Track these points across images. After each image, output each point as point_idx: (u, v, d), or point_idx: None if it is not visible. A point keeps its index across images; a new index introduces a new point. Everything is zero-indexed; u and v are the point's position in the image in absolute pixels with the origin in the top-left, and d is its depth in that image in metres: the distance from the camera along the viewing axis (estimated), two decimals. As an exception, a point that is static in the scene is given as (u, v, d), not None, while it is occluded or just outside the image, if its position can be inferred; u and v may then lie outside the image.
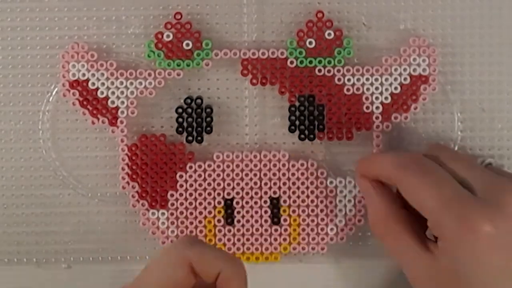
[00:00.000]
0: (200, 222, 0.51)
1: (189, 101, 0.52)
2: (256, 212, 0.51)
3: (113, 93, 0.51)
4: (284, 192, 0.51)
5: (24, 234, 0.53)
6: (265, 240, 0.51)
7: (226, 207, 0.51)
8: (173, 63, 0.51)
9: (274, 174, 0.51)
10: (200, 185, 0.51)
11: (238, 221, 0.51)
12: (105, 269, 0.53)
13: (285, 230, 0.51)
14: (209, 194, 0.51)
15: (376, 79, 0.51)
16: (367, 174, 0.48)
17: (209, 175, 0.51)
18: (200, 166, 0.51)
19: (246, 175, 0.51)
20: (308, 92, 0.51)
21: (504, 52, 0.52)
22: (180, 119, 0.51)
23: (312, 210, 0.51)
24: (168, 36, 0.51)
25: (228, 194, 0.51)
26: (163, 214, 0.51)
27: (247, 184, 0.51)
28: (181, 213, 0.51)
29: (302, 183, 0.51)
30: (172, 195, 0.51)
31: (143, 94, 0.51)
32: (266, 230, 0.51)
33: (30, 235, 0.53)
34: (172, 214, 0.51)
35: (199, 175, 0.51)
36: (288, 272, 0.53)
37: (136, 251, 0.52)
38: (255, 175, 0.51)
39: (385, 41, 0.52)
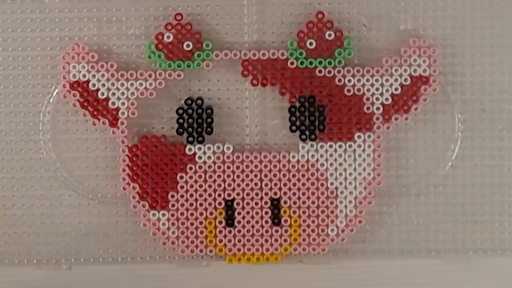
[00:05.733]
0: (200, 223, 0.51)
1: (189, 102, 0.52)
2: (257, 213, 0.51)
3: (113, 94, 0.51)
4: (285, 193, 0.51)
5: (24, 235, 0.53)
6: (266, 241, 0.51)
7: (227, 208, 0.51)
8: (174, 64, 0.51)
9: (275, 175, 0.51)
10: (200, 186, 0.51)
11: (239, 222, 0.51)
12: (106, 270, 0.53)
13: (286, 231, 0.51)
14: (210, 195, 0.51)
15: (377, 80, 0.51)
16: None
17: (210, 176, 0.51)
18: (200, 167, 0.51)
19: (247, 176, 0.51)
20: (308, 93, 0.51)
21: (505, 52, 0.52)
22: (181, 120, 0.51)
23: (313, 211, 0.51)
24: (168, 37, 0.51)
25: (229, 195, 0.51)
26: (163, 215, 0.51)
27: (247, 185, 0.51)
28: (182, 214, 0.51)
29: (303, 184, 0.51)
30: (172, 196, 0.51)
31: (143, 95, 0.51)
32: (266, 231, 0.51)
33: (31, 236, 0.53)
34: (172, 215, 0.51)
35: (200, 176, 0.51)
36: (288, 273, 0.53)
37: (137, 252, 0.52)
38: (255, 176, 0.51)
39: (386, 41, 0.52)
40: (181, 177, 0.51)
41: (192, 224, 0.51)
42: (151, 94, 0.51)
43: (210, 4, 0.52)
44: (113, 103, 0.51)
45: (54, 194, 0.53)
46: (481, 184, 0.53)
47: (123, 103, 0.51)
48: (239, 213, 0.51)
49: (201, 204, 0.51)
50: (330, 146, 0.51)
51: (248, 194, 0.51)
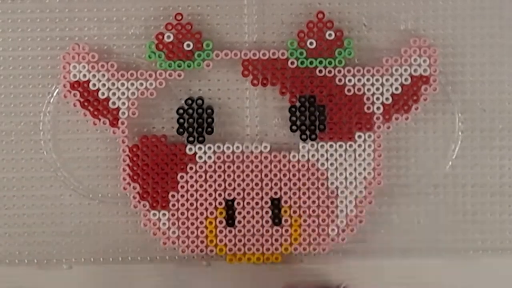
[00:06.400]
0: (201, 223, 0.51)
1: (190, 101, 0.52)
2: (257, 213, 0.51)
3: (114, 94, 0.51)
4: (285, 193, 0.51)
5: (25, 235, 0.53)
6: (266, 240, 0.51)
7: (227, 208, 0.51)
8: (174, 64, 0.51)
9: (275, 175, 0.51)
10: (201, 186, 0.51)
11: (239, 222, 0.51)
12: (106, 269, 0.53)
13: (286, 230, 0.51)
14: (210, 195, 0.51)
15: (377, 80, 0.51)
16: None
17: (210, 176, 0.51)
18: (201, 167, 0.51)
19: (247, 175, 0.51)
20: (309, 93, 0.51)
21: (505, 52, 0.52)
22: (181, 120, 0.51)
23: (313, 211, 0.51)
24: (168, 37, 0.51)
25: (229, 195, 0.51)
26: (164, 215, 0.51)
27: (248, 184, 0.51)
28: (182, 214, 0.51)
29: (303, 184, 0.51)
30: (173, 196, 0.51)
31: (144, 95, 0.51)
32: (267, 231, 0.51)
33: (31, 236, 0.53)
34: (173, 215, 0.51)
35: (200, 176, 0.51)
36: (289, 273, 0.53)
37: (137, 252, 0.52)
38: (256, 175, 0.51)
39: (386, 41, 0.52)
40: (182, 177, 0.51)
41: (192, 224, 0.51)
42: (151, 94, 0.51)
43: (211, 4, 0.52)
44: (114, 103, 0.51)
45: (55, 194, 0.53)
46: (481, 184, 0.53)
47: (123, 103, 0.51)
48: (239, 213, 0.51)
49: (201, 204, 0.51)
50: (331, 146, 0.51)
51: (248, 194, 0.51)
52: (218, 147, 0.51)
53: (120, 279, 0.53)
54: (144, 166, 0.51)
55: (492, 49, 0.52)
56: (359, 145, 0.51)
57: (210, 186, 0.51)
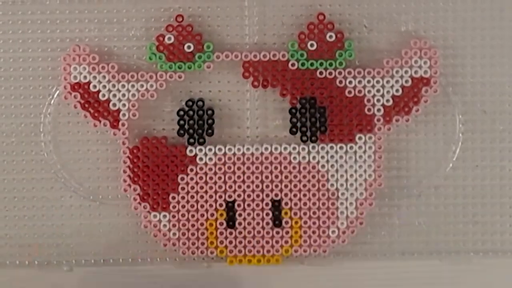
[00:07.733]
0: (201, 224, 0.51)
1: (190, 103, 0.52)
2: (258, 215, 0.51)
3: (114, 95, 0.51)
4: (286, 195, 0.51)
5: (25, 236, 0.53)
6: (267, 242, 0.51)
7: (228, 209, 0.51)
8: (175, 66, 0.51)
9: (276, 177, 0.51)
10: (201, 187, 0.51)
11: (240, 224, 0.51)
12: (107, 271, 0.53)
13: (287, 232, 0.51)
14: (211, 196, 0.51)
15: (378, 81, 0.51)
16: None
17: (211, 178, 0.51)
18: (201, 169, 0.51)
19: (248, 177, 0.51)
20: (309, 94, 0.51)
21: (505, 53, 0.52)
22: (182, 122, 0.51)
23: (314, 213, 0.51)
24: (169, 38, 0.51)
25: (230, 196, 0.51)
26: (164, 216, 0.51)
27: (248, 186, 0.51)
28: (183, 215, 0.51)
29: (304, 186, 0.51)
30: (173, 198, 0.51)
31: (144, 97, 0.51)
32: (267, 233, 0.51)
33: (32, 238, 0.53)
34: (173, 216, 0.51)
35: (201, 178, 0.51)
36: (289, 274, 0.53)
37: (138, 254, 0.52)
38: (256, 177, 0.51)
39: (387, 43, 0.52)
40: (182, 179, 0.51)
41: (193, 225, 0.51)
42: (152, 96, 0.51)
43: (211, 5, 0.52)
44: (114, 105, 0.51)
45: (55, 195, 0.53)
46: (482, 185, 0.53)
47: (124, 105, 0.51)
48: (240, 215, 0.51)
49: (202, 206, 0.51)
50: (331, 148, 0.51)
51: (249, 196, 0.51)
52: (219, 149, 0.51)
53: (120, 281, 0.53)
54: (145, 167, 0.51)
55: (493, 51, 0.52)
56: (360, 147, 0.51)
57: (211, 187, 0.51)
